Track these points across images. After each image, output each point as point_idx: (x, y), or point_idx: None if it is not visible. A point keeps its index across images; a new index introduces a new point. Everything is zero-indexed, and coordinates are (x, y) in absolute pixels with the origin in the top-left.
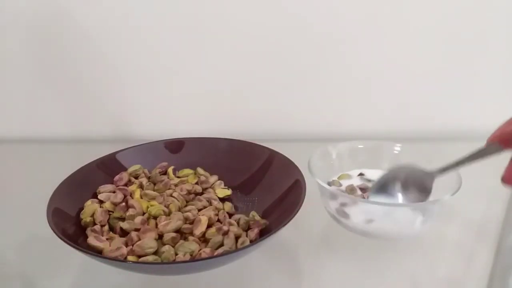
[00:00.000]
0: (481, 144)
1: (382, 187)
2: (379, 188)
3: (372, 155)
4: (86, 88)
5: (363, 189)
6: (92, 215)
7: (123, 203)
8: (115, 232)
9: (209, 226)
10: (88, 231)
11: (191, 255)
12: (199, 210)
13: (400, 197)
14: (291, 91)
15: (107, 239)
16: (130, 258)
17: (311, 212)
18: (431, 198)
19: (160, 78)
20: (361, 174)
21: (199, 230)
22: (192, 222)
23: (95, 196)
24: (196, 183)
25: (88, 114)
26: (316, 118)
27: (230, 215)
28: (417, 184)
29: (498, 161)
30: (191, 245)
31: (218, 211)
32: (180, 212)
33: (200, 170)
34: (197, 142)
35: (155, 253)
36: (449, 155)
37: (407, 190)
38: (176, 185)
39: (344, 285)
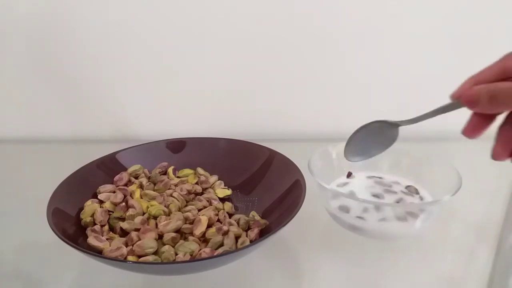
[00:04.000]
0: (480, 144)
1: (354, 147)
2: (352, 150)
3: None
4: (86, 88)
5: None
6: (92, 215)
7: (123, 203)
8: (115, 232)
9: (209, 226)
10: (88, 231)
11: (191, 255)
12: (199, 210)
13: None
14: (291, 92)
15: (107, 239)
16: (130, 258)
17: (311, 212)
18: (431, 198)
19: (159, 78)
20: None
21: (199, 230)
22: (192, 222)
23: (95, 196)
24: (196, 183)
25: (88, 114)
26: (316, 118)
27: (230, 215)
28: (383, 135)
29: (498, 161)
30: (191, 245)
31: (218, 211)
32: (180, 212)
33: (200, 170)
34: (198, 142)
35: (155, 253)
36: (449, 155)
37: (374, 141)
38: (176, 185)
39: (344, 285)
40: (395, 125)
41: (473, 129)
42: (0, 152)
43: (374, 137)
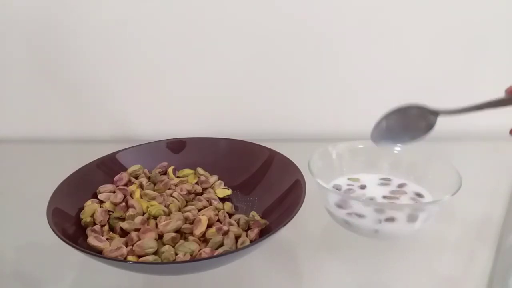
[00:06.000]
0: (480, 144)
1: (385, 130)
2: (382, 132)
3: (372, 155)
4: (86, 88)
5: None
6: (92, 215)
7: (123, 203)
8: (115, 232)
9: (209, 226)
10: (88, 231)
11: (191, 255)
12: (199, 210)
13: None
14: (291, 91)
15: (107, 239)
16: (130, 258)
17: (311, 212)
18: (431, 198)
19: (159, 78)
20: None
21: (199, 230)
22: (192, 222)
23: (95, 196)
24: (196, 183)
25: (88, 114)
26: (316, 118)
27: (230, 215)
28: (418, 123)
29: (498, 162)
30: (191, 245)
31: (218, 211)
32: (180, 212)
33: (200, 170)
34: (198, 142)
35: (155, 253)
36: (449, 155)
37: (408, 128)
38: (176, 185)
39: (344, 285)
40: (434, 113)
41: None
42: (0, 152)
43: (408, 122)
